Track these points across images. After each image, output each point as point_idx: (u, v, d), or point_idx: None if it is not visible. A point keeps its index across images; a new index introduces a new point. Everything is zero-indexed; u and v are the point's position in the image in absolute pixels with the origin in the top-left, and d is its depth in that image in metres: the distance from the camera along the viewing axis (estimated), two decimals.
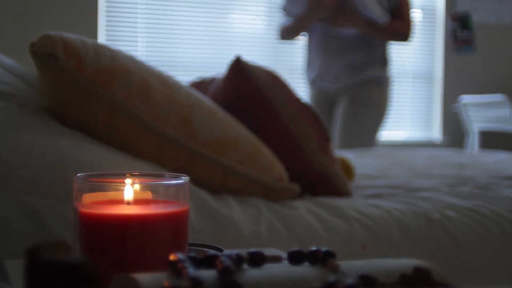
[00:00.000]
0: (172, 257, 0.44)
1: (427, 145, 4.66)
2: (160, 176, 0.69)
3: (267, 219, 1.09)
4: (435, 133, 4.83)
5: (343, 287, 0.40)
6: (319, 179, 1.32)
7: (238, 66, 1.34)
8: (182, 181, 0.58)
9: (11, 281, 0.55)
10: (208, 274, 0.42)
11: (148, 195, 0.58)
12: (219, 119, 1.17)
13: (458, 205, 1.27)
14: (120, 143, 1.09)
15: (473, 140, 4.55)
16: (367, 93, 2.88)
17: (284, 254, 0.49)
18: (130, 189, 0.57)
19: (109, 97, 1.05)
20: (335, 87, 2.92)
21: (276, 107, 1.31)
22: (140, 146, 1.09)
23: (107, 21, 4.03)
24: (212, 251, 0.68)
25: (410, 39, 2.86)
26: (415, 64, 4.76)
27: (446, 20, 4.75)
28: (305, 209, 1.16)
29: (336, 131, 2.93)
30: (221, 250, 0.68)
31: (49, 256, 0.36)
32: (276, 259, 0.48)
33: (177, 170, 1.10)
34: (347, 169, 1.52)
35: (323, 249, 0.47)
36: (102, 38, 3.98)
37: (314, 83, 2.99)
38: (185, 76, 2.65)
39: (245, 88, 1.33)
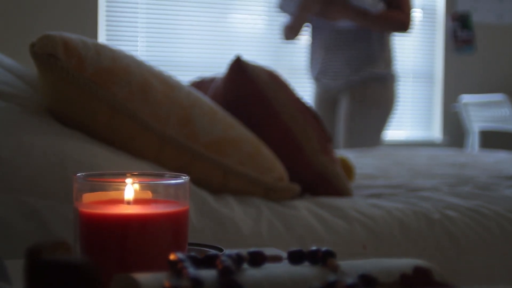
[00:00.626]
0: (172, 257, 0.44)
1: (427, 144, 4.66)
2: (160, 176, 0.70)
3: (267, 219, 1.09)
4: (435, 132, 4.83)
5: (343, 287, 0.40)
6: (320, 179, 1.32)
7: (238, 66, 1.34)
8: (182, 180, 0.58)
9: (11, 281, 0.55)
10: (208, 274, 0.42)
11: (148, 195, 0.58)
12: (219, 119, 1.17)
13: (458, 205, 1.27)
14: (121, 143, 1.09)
15: (473, 140, 4.55)
16: (369, 91, 2.84)
17: (284, 254, 0.49)
18: (130, 188, 0.57)
19: (110, 97, 1.05)
20: (336, 84, 2.89)
21: (276, 107, 1.31)
22: (140, 146, 1.09)
23: (107, 21, 4.03)
24: (212, 251, 0.68)
25: (409, 29, 2.78)
26: (415, 63, 4.76)
27: (447, 19, 4.75)
28: (305, 209, 1.16)
29: (340, 130, 2.91)
30: (221, 250, 0.68)
31: (49, 256, 0.36)
32: (276, 259, 0.48)
33: (178, 170, 1.10)
34: (347, 169, 1.52)
35: (323, 249, 0.47)
36: (102, 38, 3.98)
37: (317, 80, 2.97)
38: (185, 76, 2.65)
39: (245, 88, 1.33)
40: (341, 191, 1.33)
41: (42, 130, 1.02)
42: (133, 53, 1.23)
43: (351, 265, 0.46)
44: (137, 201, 0.57)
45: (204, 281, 0.41)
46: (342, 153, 2.24)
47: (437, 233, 1.17)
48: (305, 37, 3.11)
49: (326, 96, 2.98)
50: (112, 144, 1.08)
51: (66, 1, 3.88)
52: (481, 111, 4.47)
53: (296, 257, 0.47)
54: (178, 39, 4.20)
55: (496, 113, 4.33)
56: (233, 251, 0.47)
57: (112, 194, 0.57)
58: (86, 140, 1.05)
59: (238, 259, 0.45)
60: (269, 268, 0.45)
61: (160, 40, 4.17)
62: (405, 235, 1.15)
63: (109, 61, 1.07)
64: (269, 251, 0.71)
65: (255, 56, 4.09)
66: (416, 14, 4.67)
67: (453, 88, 4.76)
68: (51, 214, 0.91)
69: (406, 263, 0.47)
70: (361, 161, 2.03)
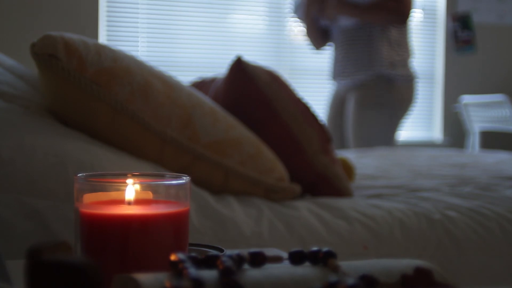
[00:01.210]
0: (173, 257, 0.44)
1: (428, 145, 4.65)
2: (161, 176, 0.69)
3: (268, 220, 1.09)
4: (436, 133, 4.83)
5: None
6: (320, 179, 1.32)
7: (239, 67, 1.34)
8: (183, 181, 0.58)
9: (12, 282, 0.55)
10: (209, 275, 0.42)
11: (149, 195, 0.58)
12: (220, 119, 1.17)
13: (459, 205, 1.27)
14: (122, 144, 1.09)
15: (474, 140, 4.55)
16: (374, 92, 2.80)
17: (285, 254, 0.49)
18: (131, 189, 0.57)
19: (110, 98, 1.05)
20: (344, 83, 2.89)
21: (277, 107, 1.31)
22: (141, 147, 1.09)
23: (108, 21, 4.03)
24: (213, 251, 0.68)
25: (407, 20, 2.74)
26: (416, 64, 4.74)
27: (447, 20, 4.75)
28: (306, 209, 1.16)
29: (349, 132, 2.89)
30: (222, 250, 0.68)
31: (50, 257, 0.36)
32: (277, 260, 0.48)
33: (179, 170, 1.10)
34: (348, 169, 1.52)
35: (324, 249, 0.47)
36: (103, 38, 3.99)
37: (333, 79, 2.98)
38: (186, 76, 2.65)
39: (246, 88, 1.33)
40: (342, 192, 1.33)
41: (43, 131, 1.02)
42: (134, 54, 1.23)
43: (352, 266, 0.46)
44: (138, 202, 0.57)
45: (205, 281, 0.41)
46: (344, 154, 2.24)
47: (438, 233, 1.17)
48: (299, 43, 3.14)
49: (338, 97, 2.98)
50: (112, 144, 1.08)
51: (66, 1, 3.88)
52: (481, 111, 4.47)
53: (297, 258, 0.47)
54: (179, 40, 4.20)
55: (496, 113, 4.32)
56: (234, 252, 0.47)
57: (113, 195, 0.57)
58: (87, 141, 1.05)
59: (239, 260, 0.45)
60: (270, 269, 0.45)
61: (161, 40, 4.17)
62: (406, 236, 1.15)
63: (110, 61, 1.07)
64: (269, 251, 0.71)
65: (255, 56, 4.09)
66: (417, 14, 4.67)
67: (453, 89, 4.76)
68: (52, 214, 0.92)
69: (407, 263, 0.47)
70: (361, 161, 2.03)
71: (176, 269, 0.43)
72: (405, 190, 1.46)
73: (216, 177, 1.15)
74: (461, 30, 4.67)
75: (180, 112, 1.12)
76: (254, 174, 1.17)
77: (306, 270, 0.46)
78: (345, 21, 2.78)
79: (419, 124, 4.80)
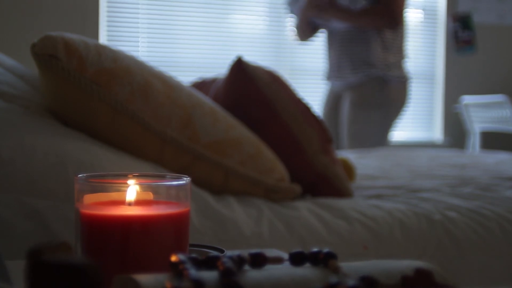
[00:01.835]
0: (173, 258, 0.44)
1: (428, 145, 4.65)
2: (162, 177, 0.69)
3: (268, 220, 1.09)
4: (436, 133, 4.83)
5: None
6: (320, 179, 1.32)
7: (239, 67, 1.34)
8: (184, 182, 0.58)
9: (12, 282, 0.55)
10: (209, 275, 0.42)
11: (150, 196, 0.58)
12: (220, 120, 1.17)
13: (459, 206, 1.27)
14: (122, 144, 1.09)
15: (474, 141, 4.55)
16: (369, 93, 2.83)
17: (285, 255, 0.49)
18: (131, 190, 0.57)
19: (110, 98, 1.05)
20: (339, 84, 2.90)
21: (277, 108, 1.31)
22: (141, 147, 1.09)
23: (108, 21, 4.03)
24: (214, 252, 0.68)
25: (397, 25, 2.73)
26: (416, 64, 4.76)
27: (447, 20, 4.75)
28: (306, 209, 1.16)
29: (343, 131, 2.91)
30: (222, 251, 0.68)
31: (50, 257, 0.36)
32: (278, 260, 0.48)
33: (179, 171, 1.10)
34: (348, 169, 1.52)
35: (325, 250, 0.47)
36: (103, 38, 3.99)
37: (327, 80, 2.99)
38: (186, 77, 2.65)
39: (246, 88, 1.33)
40: (342, 192, 1.33)
41: (43, 131, 1.02)
42: (134, 54, 1.23)
43: (353, 267, 0.46)
44: (138, 202, 0.57)
45: (205, 282, 0.41)
46: (345, 154, 2.24)
47: (438, 234, 1.17)
48: (317, 38, 3.12)
49: (332, 96, 2.99)
50: (113, 144, 1.08)
51: (67, 1, 3.88)
52: (482, 112, 4.47)
53: (297, 259, 0.47)
54: (179, 40, 4.20)
55: (497, 114, 4.32)
56: (235, 252, 0.47)
57: (113, 195, 0.57)
58: (87, 141, 1.05)
59: (240, 261, 0.45)
60: (271, 270, 0.45)
61: (161, 40, 4.17)
62: (406, 236, 1.15)
63: (110, 61, 1.07)
64: (270, 252, 0.71)
65: (255, 56, 4.09)
66: (417, 14, 4.67)
67: (454, 89, 4.76)
68: (52, 214, 0.92)
69: (407, 264, 0.47)
70: (362, 161, 2.03)
71: (176, 270, 0.43)
72: (405, 191, 1.46)
73: (216, 177, 1.15)
74: (461, 30, 4.67)
75: (180, 112, 1.12)
76: (254, 174, 1.17)
77: (306, 271, 0.46)
78: (336, 24, 2.80)
79: (420, 125, 4.80)
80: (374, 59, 2.80)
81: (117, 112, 1.06)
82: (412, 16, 4.61)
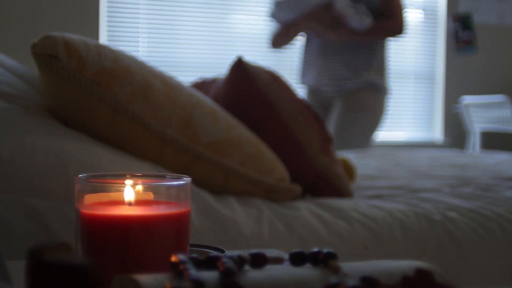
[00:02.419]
0: (173, 258, 0.44)
1: (429, 145, 4.65)
2: (162, 177, 0.69)
3: (268, 220, 1.09)
4: (437, 133, 4.83)
5: None
6: (320, 179, 1.32)
7: (240, 67, 1.34)
8: (184, 182, 0.58)
9: (12, 282, 0.55)
10: (209, 276, 0.42)
11: (150, 196, 0.58)
12: (220, 120, 1.17)
13: (459, 206, 1.27)
14: (122, 144, 1.09)
15: (475, 141, 4.55)
16: (363, 98, 2.87)
17: (285, 255, 0.49)
18: (131, 190, 0.57)
19: (111, 98, 1.05)
20: (332, 90, 2.92)
21: (277, 108, 1.31)
22: (142, 147, 1.09)
23: (109, 21, 4.03)
24: (214, 252, 0.68)
25: (402, 33, 2.82)
26: (416, 64, 4.76)
27: (448, 20, 4.75)
28: (306, 210, 1.16)
29: (330, 131, 2.93)
30: (222, 251, 0.68)
31: (50, 257, 0.36)
32: (278, 261, 0.48)
33: (179, 171, 1.10)
34: (348, 169, 1.52)
35: (325, 250, 0.47)
36: (103, 38, 3.99)
37: (311, 85, 2.99)
38: (186, 77, 2.65)
39: (247, 88, 1.33)
40: (342, 192, 1.33)
41: (43, 131, 1.02)
42: (134, 54, 1.23)
43: (353, 267, 0.46)
44: (138, 203, 0.57)
45: (205, 282, 0.41)
46: (346, 154, 2.24)
47: (438, 234, 1.17)
48: (298, 44, 3.14)
49: (319, 102, 3.00)
50: (113, 144, 1.08)
51: (67, 1, 3.88)
52: (482, 112, 4.47)
53: (297, 259, 0.47)
54: (179, 40, 4.20)
55: (497, 114, 4.32)
56: (235, 253, 0.47)
57: (113, 196, 0.57)
58: (87, 141, 1.05)
59: (240, 261, 0.45)
60: (271, 270, 0.45)
61: (161, 41, 4.17)
62: (406, 236, 1.15)
63: (110, 61, 1.07)
64: (270, 252, 0.71)
65: (256, 56, 4.09)
66: (417, 15, 4.67)
67: (454, 89, 4.76)
68: (52, 214, 0.91)
69: (407, 265, 0.47)
70: (362, 162, 2.02)
71: (176, 270, 0.43)
72: (405, 191, 1.46)
73: (216, 177, 1.15)
74: (461, 31, 4.67)
75: (180, 112, 1.12)
76: (254, 174, 1.17)
77: (307, 271, 0.46)
78: (332, 37, 2.82)
79: (420, 125, 4.80)
80: (373, 65, 2.86)
81: (117, 112, 1.06)
82: (412, 16, 4.61)
